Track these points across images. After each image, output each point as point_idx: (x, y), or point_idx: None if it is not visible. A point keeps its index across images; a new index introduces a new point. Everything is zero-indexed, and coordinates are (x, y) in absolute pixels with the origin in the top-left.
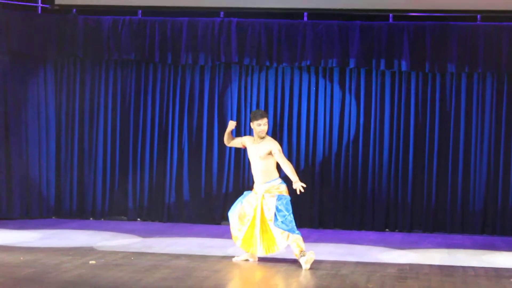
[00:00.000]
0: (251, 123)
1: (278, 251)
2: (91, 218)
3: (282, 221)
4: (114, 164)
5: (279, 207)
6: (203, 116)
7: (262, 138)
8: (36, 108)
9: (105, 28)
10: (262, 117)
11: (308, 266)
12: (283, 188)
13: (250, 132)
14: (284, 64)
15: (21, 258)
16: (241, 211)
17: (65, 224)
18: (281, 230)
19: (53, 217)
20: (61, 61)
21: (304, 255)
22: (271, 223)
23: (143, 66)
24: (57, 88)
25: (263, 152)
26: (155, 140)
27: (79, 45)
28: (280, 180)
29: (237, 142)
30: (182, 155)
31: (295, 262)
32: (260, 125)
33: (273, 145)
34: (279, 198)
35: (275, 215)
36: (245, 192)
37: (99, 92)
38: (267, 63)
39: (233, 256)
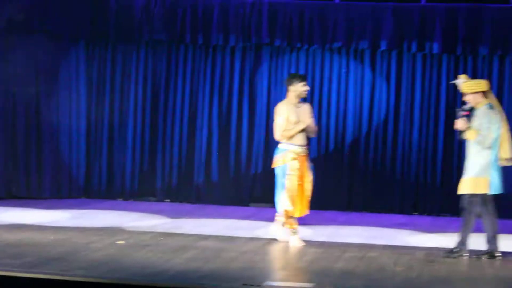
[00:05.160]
0: (293, 86)
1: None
2: (120, 199)
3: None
4: (144, 144)
5: None
6: (233, 97)
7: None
8: (67, 87)
9: (137, 8)
10: (305, 78)
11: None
12: None
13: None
14: (315, 45)
15: (51, 237)
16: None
17: (94, 204)
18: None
19: (83, 197)
20: (93, 41)
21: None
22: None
23: (174, 46)
24: (89, 68)
25: (310, 114)
26: (185, 121)
27: (111, 25)
28: None
29: (295, 122)
30: (211, 136)
31: (322, 245)
32: (305, 85)
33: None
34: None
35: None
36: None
37: (129, 72)
38: (298, 45)
39: (260, 238)
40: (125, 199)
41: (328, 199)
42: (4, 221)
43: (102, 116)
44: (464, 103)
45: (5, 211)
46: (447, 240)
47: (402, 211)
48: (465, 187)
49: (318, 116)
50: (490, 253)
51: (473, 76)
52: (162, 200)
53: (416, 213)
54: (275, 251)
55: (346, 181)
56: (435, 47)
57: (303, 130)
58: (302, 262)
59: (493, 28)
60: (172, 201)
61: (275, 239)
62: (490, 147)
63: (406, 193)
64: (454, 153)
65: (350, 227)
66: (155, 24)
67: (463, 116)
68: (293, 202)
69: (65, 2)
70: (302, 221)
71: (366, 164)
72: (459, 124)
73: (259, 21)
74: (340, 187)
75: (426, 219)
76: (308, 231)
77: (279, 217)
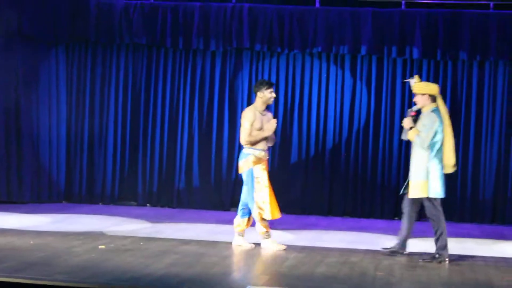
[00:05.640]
0: (260, 92)
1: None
2: (100, 203)
3: None
4: (124, 149)
5: None
6: (214, 101)
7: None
8: (47, 91)
9: (117, 12)
10: (273, 85)
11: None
12: None
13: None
14: (295, 50)
15: (31, 242)
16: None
17: (75, 209)
18: None
19: (63, 202)
20: (72, 44)
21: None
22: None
23: (155, 50)
24: (68, 72)
25: (273, 123)
26: (166, 126)
27: (91, 29)
28: None
29: (258, 129)
30: (192, 141)
31: (304, 249)
32: (272, 92)
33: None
34: None
35: None
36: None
37: (110, 76)
38: (279, 49)
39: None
40: (106, 203)
41: (310, 204)
42: None
43: (82, 120)
44: (414, 103)
45: None
46: (428, 245)
47: (382, 216)
48: (410, 192)
49: (298, 121)
50: (438, 258)
51: (453, 81)
52: (143, 205)
53: (397, 218)
54: (256, 255)
55: (327, 186)
56: (415, 52)
57: (265, 138)
58: (284, 267)
59: (473, 34)
60: (153, 205)
61: (240, 245)
62: (428, 149)
63: (387, 198)
64: None
65: (332, 232)
66: (135, 28)
67: (410, 116)
68: (265, 205)
69: (44, 5)
70: (283, 225)
71: (347, 169)
72: (405, 123)
73: (240, 25)
74: (321, 192)
75: None
76: (289, 235)
77: (236, 226)
